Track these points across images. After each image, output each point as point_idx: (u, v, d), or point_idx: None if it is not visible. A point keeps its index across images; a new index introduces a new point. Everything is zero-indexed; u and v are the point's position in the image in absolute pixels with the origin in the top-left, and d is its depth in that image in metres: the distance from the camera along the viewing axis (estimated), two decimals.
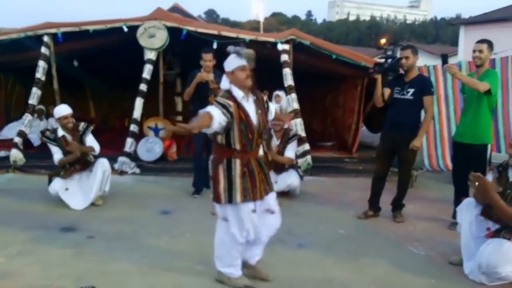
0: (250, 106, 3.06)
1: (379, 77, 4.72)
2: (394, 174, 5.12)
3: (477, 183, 3.26)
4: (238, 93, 3.03)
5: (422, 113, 4.76)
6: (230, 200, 2.99)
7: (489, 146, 4.39)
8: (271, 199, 3.19)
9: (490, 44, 4.33)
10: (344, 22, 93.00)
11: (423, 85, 4.57)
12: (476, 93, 4.28)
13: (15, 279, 3.23)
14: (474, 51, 4.33)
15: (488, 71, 4.36)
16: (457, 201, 4.49)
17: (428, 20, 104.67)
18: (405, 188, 4.89)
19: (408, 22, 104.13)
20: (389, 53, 5.04)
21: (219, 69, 5.18)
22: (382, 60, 4.98)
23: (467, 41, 14.93)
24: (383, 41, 9.24)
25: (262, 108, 3.15)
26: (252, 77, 3.01)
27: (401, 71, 4.70)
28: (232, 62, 3.03)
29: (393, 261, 3.72)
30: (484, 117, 4.34)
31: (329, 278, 3.37)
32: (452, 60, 6.19)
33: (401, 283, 3.35)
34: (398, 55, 4.74)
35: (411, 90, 4.55)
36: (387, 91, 4.73)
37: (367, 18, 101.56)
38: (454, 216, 4.47)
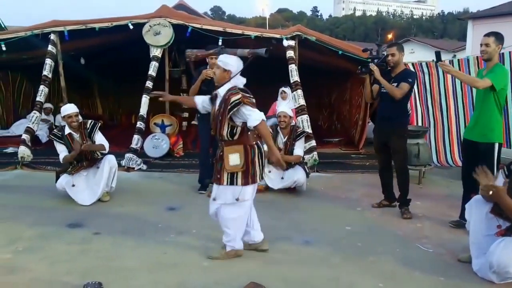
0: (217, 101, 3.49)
1: (366, 77, 4.93)
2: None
3: (490, 192, 3.20)
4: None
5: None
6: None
7: (496, 145, 4.21)
8: None
9: (498, 37, 4.14)
10: (350, 18, 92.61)
11: (403, 76, 4.69)
12: (482, 89, 4.19)
13: (22, 275, 3.25)
14: (481, 44, 4.21)
15: (495, 66, 4.18)
16: (465, 200, 4.47)
17: (435, 14, 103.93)
18: (404, 178, 4.88)
19: (415, 17, 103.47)
20: (374, 53, 5.17)
21: None
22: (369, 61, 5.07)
23: (475, 35, 14.76)
24: (389, 36, 9.21)
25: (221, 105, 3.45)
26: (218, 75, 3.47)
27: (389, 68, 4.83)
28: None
29: (401, 258, 3.70)
30: (491, 114, 4.18)
31: (335, 276, 3.35)
32: (460, 55, 6.14)
33: (409, 281, 3.31)
34: (385, 53, 4.85)
35: (395, 84, 4.69)
36: (375, 88, 4.93)
37: (373, 14, 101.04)
38: (461, 215, 4.44)
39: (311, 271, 3.43)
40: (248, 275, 3.24)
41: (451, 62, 7.29)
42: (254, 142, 3.50)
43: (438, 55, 4.49)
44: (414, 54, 32.62)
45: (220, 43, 7.33)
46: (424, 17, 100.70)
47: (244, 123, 3.40)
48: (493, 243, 3.27)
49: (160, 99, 3.99)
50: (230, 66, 3.45)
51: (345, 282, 3.26)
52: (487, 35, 4.19)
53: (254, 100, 3.42)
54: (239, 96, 3.32)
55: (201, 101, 3.81)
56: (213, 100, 3.63)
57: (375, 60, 4.90)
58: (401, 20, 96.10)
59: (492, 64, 4.17)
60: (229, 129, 3.41)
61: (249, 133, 3.47)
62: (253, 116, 3.33)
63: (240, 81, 3.49)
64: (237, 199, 3.44)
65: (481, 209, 3.46)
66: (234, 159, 3.39)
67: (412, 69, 7.61)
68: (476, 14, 21.04)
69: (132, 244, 3.87)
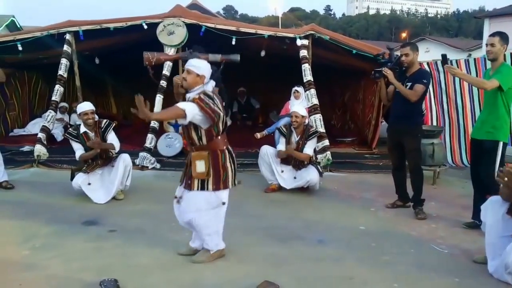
0: None
1: (381, 80, 4.91)
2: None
3: (506, 179, 3.18)
4: None
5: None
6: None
7: (501, 144, 4.17)
8: None
9: (503, 36, 4.13)
10: (363, 16, 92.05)
11: (417, 76, 4.67)
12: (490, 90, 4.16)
13: (38, 272, 3.30)
14: (486, 45, 4.21)
15: (501, 66, 4.15)
16: (476, 200, 4.44)
17: (450, 13, 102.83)
18: (418, 178, 4.86)
19: (429, 15, 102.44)
20: (386, 57, 5.09)
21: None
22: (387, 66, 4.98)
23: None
24: (403, 35, 9.16)
25: None
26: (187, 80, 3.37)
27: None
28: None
29: (415, 258, 3.67)
30: (498, 114, 4.16)
31: (349, 276, 3.34)
32: (476, 54, 6.09)
33: (424, 281, 3.29)
34: (399, 53, 4.82)
35: (409, 84, 4.66)
36: (391, 90, 4.91)
37: (387, 12, 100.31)
38: (474, 215, 4.40)
39: (324, 270, 3.42)
40: (261, 274, 3.24)
41: (467, 61, 7.21)
42: (224, 147, 3.47)
43: (444, 57, 4.50)
44: (429, 53, 32.28)
45: (233, 42, 7.36)
46: (439, 16, 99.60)
47: (210, 127, 3.35)
48: (509, 244, 3.24)
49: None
50: (203, 71, 3.36)
51: (359, 281, 3.25)
52: (492, 35, 4.21)
53: (211, 103, 3.29)
54: (196, 97, 3.28)
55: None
56: None
57: (388, 64, 4.86)
58: (416, 19, 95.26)
59: (498, 64, 4.16)
60: (196, 132, 3.37)
61: (219, 137, 3.43)
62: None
63: (210, 85, 3.43)
64: (223, 203, 3.46)
65: (497, 211, 3.42)
66: (200, 166, 3.35)
67: (427, 68, 7.57)
68: (493, 12, 20.74)
69: (146, 242, 3.90)
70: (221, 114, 3.37)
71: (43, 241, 3.90)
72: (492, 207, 3.48)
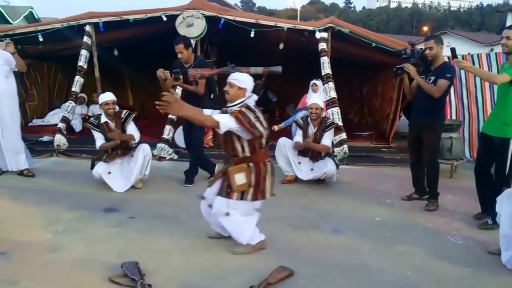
0: None
1: (405, 76, 4.86)
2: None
3: None
4: None
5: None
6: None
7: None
8: None
9: None
10: (384, 10, 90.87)
11: (441, 70, 4.58)
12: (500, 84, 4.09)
13: (63, 253, 3.43)
14: (501, 37, 4.12)
15: None
16: (481, 196, 4.44)
17: (474, 7, 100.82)
18: (433, 173, 4.84)
19: (452, 9, 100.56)
20: (409, 53, 4.94)
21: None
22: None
23: None
24: (425, 29, 9.05)
25: None
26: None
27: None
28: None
29: (430, 249, 3.70)
30: (508, 109, 4.07)
31: (365, 264, 3.39)
32: (498, 49, 6.01)
33: (438, 270, 3.33)
34: (423, 46, 4.75)
35: (433, 78, 4.59)
36: (414, 84, 4.84)
37: (409, 5, 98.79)
38: (483, 208, 4.42)
39: (339, 258, 3.48)
40: (277, 259, 3.32)
41: (488, 55, 7.13)
42: (267, 160, 3.53)
43: (453, 51, 4.41)
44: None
45: (252, 35, 7.40)
46: (461, 9, 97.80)
47: (253, 139, 3.39)
48: None
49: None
50: (245, 84, 3.45)
51: (374, 269, 3.30)
52: (508, 28, 4.12)
53: (252, 117, 3.32)
54: (237, 110, 3.32)
55: (210, 113, 3.53)
56: None
57: (411, 59, 4.76)
58: (438, 12, 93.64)
59: None
60: (239, 143, 3.42)
61: (262, 150, 3.49)
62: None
63: (252, 99, 3.49)
64: (257, 210, 3.53)
65: None
66: (240, 178, 3.39)
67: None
68: None
69: (165, 228, 4.01)
70: (263, 131, 3.39)
71: (66, 226, 4.02)
72: (508, 199, 3.48)
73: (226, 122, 3.27)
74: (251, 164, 3.43)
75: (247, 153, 3.43)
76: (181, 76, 4.85)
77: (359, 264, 3.38)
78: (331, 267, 3.32)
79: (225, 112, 3.46)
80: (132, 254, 3.31)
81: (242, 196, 3.42)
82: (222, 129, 3.28)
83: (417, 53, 4.80)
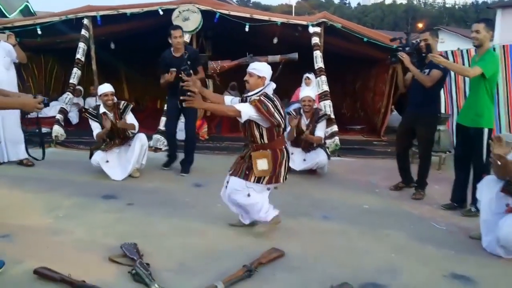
0: None
1: (398, 66, 4.98)
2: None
3: (499, 163, 3.38)
4: None
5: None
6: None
7: (486, 130, 4.26)
8: None
9: (488, 23, 4.25)
10: (379, 6, 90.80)
11: (435, 63, 4.66)
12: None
13: (64, 236, 3.58)
14: (471, 31, 4.29)
15: (486, 54, 4.23)
16: (456, 182, 4.64)
17: (469, 4, 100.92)
18: (425, 165, 5.02)
19: (447, 5, 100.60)
20: (404, 42, 5.11)
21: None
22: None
23: (504, 24, 14.43)
24: (420, 25, 9.20)
25: None
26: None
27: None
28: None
29: (415, 233, 3.89)
30: (481, 100, 4.26)
31: (352, 246, 3.58)
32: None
33: (421, 252, 3.51)
34: (418, 39, 4.88)
35: (427, 70, 4.70)
36: (409, 77, 4.97)
37: (404, 2, 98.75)
38: (453, 197, 4.63)
39: (328, 242, 3.66)
40: (270, 242, 3.48)
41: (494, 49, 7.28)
42: (283, 146, 3.69)
43: (428, 47, 4.57)
44: (444, 44, 31.89)
45: (247, 29, 7.54)
46: (457, 6, 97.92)
47: (271, 126, 3.55)
48: (501, 220, 3.43)
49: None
50: (264, 73, 3.58)
51: (360, 251, 3.49)
52: (478, 21, 4.29)
53: (271, 105, 3.47)
54: (256, 99, 3.47)
55: (230, 101, 3.80)
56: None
57: (406, 48, 4.89)
58: (433, 9, 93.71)
59: (483, 51, 4.24)
60: (258, 130, 3.57)
61: (279, 137, 3.65)
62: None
63: (271, 87, 3.64)
64: (268, 189, 3.70)
65: (492, 189, 3.61)
66: (262, 164, 3.55)
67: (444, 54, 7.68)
68: (506, 2, 20.38)
69: (162, 214, 4.17)
70: (281, 120, 3.55)
71: (66, 212, 4.17)
72: (488, 185, 3.67)
73: (247, 111, 3.45)
74: (269, 150, 3.59)
75: (266, 140, 3.58)
76: (191, 72, 5.01)
77: (347, 247, 3.56)
78: (320, 249, 3.49)
79: (245, 100, 3.62)
80: (130, 237, 3.45)
81: (258, 180, 3.59)
82: (244, 118, 3.46)
83: (412, 43, 4.93)
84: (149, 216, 4.11)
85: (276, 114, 3.49)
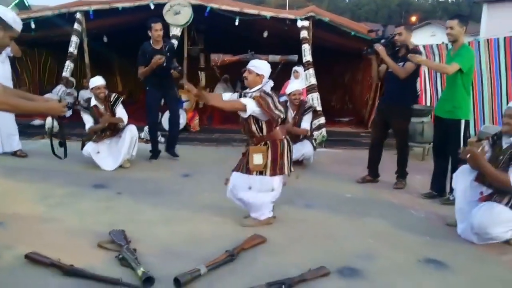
0: None
1: (373, 58, 5.10)
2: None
3: (468, 155, 3.55)
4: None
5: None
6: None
7: (463, 122, 4.45)
8: None
9: (461, 19, 4.40)
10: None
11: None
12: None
13: (56, 224, 3.72)
14: (446, 28, 4.46)
15: (461, 48, 4.41)
16: (435, 174, 4.82)
17: None
18: (403, 156, 5.18)
19: None
20: (380, 34, 5.24)
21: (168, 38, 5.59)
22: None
23: (490, 18, 14.59)
24: (413, 18, 9.32)
25: None
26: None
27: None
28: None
29: (393, 221, 4.05)
30: (458, 93, 4.42)
31: (331, 233, 3.73)
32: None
33: (397, 238, 3.67)
34: (394, 32, 4.99)
35: (401, 64, 4.83)
36: (383, 68, 5.11)
37: None
38: (432, 186, 4.81)
39: (309, 228, 3.82)
40: (253, 229, 3.63)
41: (478, 43, 7.42)
42: (283, 136, 3.80)
43: (408, 48, 4.73)
44: (435, 37, 32.04)
45: (236, 23, 7.66)
46: (450, 0, 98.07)
47: (270, 119, 3.67)
48: (475, 208, 3.60)
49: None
50: (262, 71, 3.70)
51: (339, 237, 3.65)
52: (451, 18, 4.47)
53: (270, 101, 3.60)
54: (258, 95, 3.61)
55: (228, 98, 3.93)
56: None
57: (382, 41, 5.03)
58: (426, 3, 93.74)
59: (458, 46, 4.42)
60: (256, 124, 3.70)
61: (277, 128, 3.77)
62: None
63: (269, 85, 3.78)
64: (272, 190, 3.77)
65: (466, 178, 3.78)
66: (257, 158, 3.67)
67: (422, 50, 7.85)
68: None
69: (151, 202, 4.32)
70: (280, 114, 3.69)
71: (58, 200, 4.31)
72: (462, 175, 3.84)
73: (251, 106, 3.59)
74: (268, 142, 3.72)
75: (265, 132, 3.72)
76: (181, 69, 5.23)
77: (326, 233, 3.71)
78: (300, 236, 3.65)
79: (243, 96, 3.77)
80: (119, 225, 3.58)
81: (261, 173, 3.72)
82: (248, 113, 3.60)
83: (388, 36, 5.06)
84: (138, 204, 4.26)
85: (275, 110, 3.64)
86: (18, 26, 2.72)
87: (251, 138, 3.80)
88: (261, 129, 3.70)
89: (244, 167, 3.76)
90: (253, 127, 3.71)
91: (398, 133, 5.14)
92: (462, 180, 3.83)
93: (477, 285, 2.95)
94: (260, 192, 3.76)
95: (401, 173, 5.19)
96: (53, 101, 2.97)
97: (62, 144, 3.27)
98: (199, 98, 3.55)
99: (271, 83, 3.80)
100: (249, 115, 3.63)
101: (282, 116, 3.74)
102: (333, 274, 2.97)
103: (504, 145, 3.64)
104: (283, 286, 2.69)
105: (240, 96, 3.80)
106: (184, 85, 3.95)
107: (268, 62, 3.89)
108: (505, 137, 3.64)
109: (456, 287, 2.90)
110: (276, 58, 4.08)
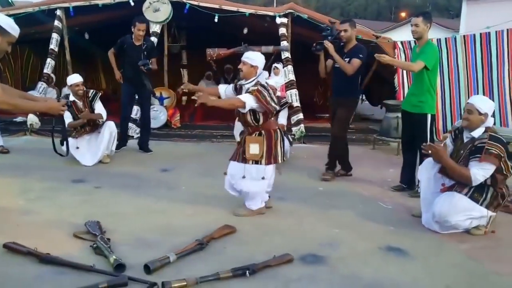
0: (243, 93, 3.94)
1: (321, 53, 5.23)
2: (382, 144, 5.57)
3: (430, 151, 3.74)
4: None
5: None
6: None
7: (429, 116, 4.62)
8: None
9: (426, 16, 4.56)
10: None
11: (354, 52, 5.00)
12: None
13: (35, 216, 3.84)
14: (411, 25, 4.62)
15: (425, 46, 4.56)
16: (405, 165, 4.98)
17: None
18: (340, 146, 5.35)
19: None
20: (328, 31, 5.32)
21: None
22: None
23: (469, 14, 14.82)
24: (403, 14, 9.46)
25: None
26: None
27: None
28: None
29: (361, 212, 4.22)
30: (423, 88, 4.60)
31: (299, 223, 3.90)
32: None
33: (363, 228, 3.84)
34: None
35: (347, 59, 5.01)
36: (329, 63, 5.24)
37: None
38: (401, 179, 4.98)
39: (279, 219, 3.98)
40: (224, 220, 3.77)
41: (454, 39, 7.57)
42: (276, 127, 3.99)
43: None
44: None
45: (216, 20, 7.77)
46: None
47: (267, 111, 3.83)
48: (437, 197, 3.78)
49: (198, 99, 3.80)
50: (257, 62, 3.86)
51: (307, 227, 3.81)
52: (416, 15, 4.63)
53: (267, 94, 3.76)
54: (254, 88, 3.77)
55: (224, 90, 4.13)
56: (237, 90, 4.03)
57: (329, 37, 5.16)
58: None
59: (423, 42, 4.59)
60: (252, 115, 3.84)
61: (272, 119, 3.95)
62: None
63: (263, 76, 3.93)
64: (262, 178, 3.91)
65: (430, 170, 3.95)
66: (253, 148, 3.83)
67: (400, 47, 8.07)
68: None
69: (128, 196, 4.45)
70: (276, 107, 3.88)
71: (37, 194, 4.42)
72: (426, 167, 4.01)
73: (250, 102, 3.74)
74: (263, 131, 3.89)
75: (261, 122, 3.87)
76: (151, 67, 5.46)
77: (295, 225, 3.87)
78: (270, 226, 3.80)
79: (239, 88, 3.95)
80: (96, 217, 3.68)
81: (256, 162, 3.88)
82: (247, 109, 3.76)
83: (335, 33, 5.18)
84: (115, 197, 4.38)
85: (272, 102, 3.80)
86: (15, 31, 2.79)
87: (247, 127, 3.95)
88: (257, 120, 3.86)
89: (240, 156, 3.92)
90: (249, 118, 3.87)
91: (337, 122, 5.24)
92: (426, 172, 4.00)
93: (433, 271, 3.10)
94: (253, 180, 3.91)
95: (345, 167, 5.42)
96: (52, 101, 3.14)
97: (63, 142, 3.43)
98: (200, 100, 3.69)
99: (265, 74, 3.95)
100: None
101: (277, 109, 3.92)
102: (297, 260, 3.12)
103: (465, 139, 3.81)
104: (247, 272, 2.83)
105: (236, 88, 3.99)
106: (186, 88, 4.14)
107: (261, 53, 4.03)
108: (466, 131, 3.81)
109: (412, 273, 3.06)
110: (269, 48, 4.24)
